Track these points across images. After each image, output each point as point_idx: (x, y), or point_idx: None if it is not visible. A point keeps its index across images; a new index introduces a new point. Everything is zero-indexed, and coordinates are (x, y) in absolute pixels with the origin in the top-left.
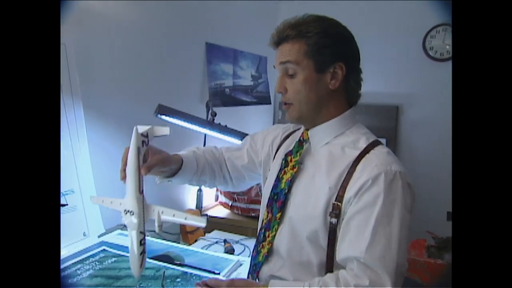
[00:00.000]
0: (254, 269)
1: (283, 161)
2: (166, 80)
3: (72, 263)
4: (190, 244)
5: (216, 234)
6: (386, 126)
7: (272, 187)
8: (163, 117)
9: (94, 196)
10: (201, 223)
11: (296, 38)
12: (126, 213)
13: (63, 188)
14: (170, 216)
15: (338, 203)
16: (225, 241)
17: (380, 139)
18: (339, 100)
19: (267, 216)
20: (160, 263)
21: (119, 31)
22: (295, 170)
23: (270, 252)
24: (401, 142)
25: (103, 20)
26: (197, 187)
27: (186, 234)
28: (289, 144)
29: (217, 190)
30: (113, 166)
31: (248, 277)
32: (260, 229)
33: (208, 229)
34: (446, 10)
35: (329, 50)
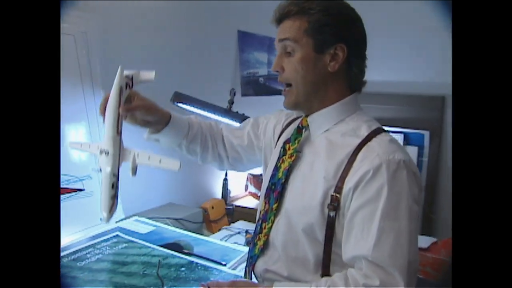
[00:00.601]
0: (250, 262)
1: (282, 149)
2: (195, 68)
3: (84, 247)
4: (213, 233)
5: (240, 225)
6: (430, 118)
7: (270, 177)
8: (180, 104)
9: (72, 141)
10: (175, 166)
11: (297, 15)
12: (102, 153)
13: (81, 173)
14: (145, 159)
15: (337, 195)
16: (246, 231)
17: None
18: (339, 84)
19: (264, 207)
20: (168, 251)
21: (145, 18)
22: (292, 158)
23: (266, 244)
24: (446, 135)
25: (128, 7)
26: (223, 176)
27: (210, 223)
28: (290, 132)
29: (247, 179)
30: None
31: (245, 270)
32: (258, 221)
33: (234, 219)
34: None
35: (331, 29)
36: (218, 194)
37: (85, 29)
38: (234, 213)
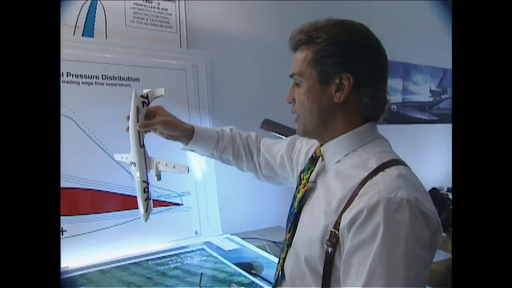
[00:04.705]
0: None
1: (298, 179)
2: None
3: (169, 254)
4: None
5: None
6: None
7: (290, 206)
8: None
9: (117, 153)
10: (183, 170)
11: (305, 45)
12: (131, 164)
13: (181, 190)
14: (164, 165)
15: (336, 231)
16: None
17: None
18: (349, 114)
19: (284, 236)
20: (238, 269)
21: (249, 51)
22: (305, 189)
23: (280, 276)
24: None
25: (233, 42)
26: None
27: None
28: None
29: None
30: (236, 175)
31: None
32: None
33: None
34: None
35: (334, 59)
36: None
37: (195, 63)
38: None
